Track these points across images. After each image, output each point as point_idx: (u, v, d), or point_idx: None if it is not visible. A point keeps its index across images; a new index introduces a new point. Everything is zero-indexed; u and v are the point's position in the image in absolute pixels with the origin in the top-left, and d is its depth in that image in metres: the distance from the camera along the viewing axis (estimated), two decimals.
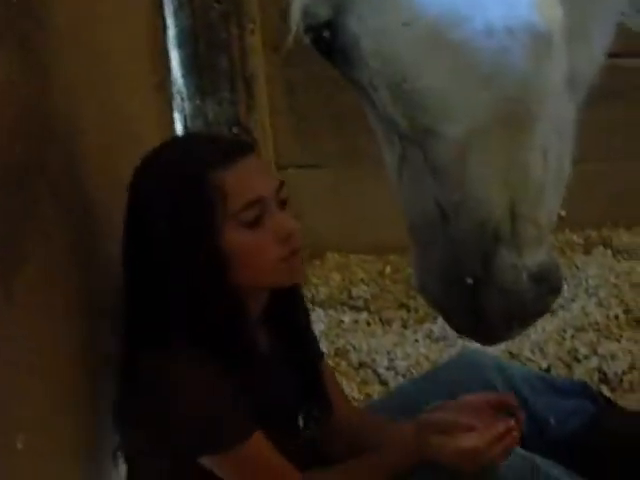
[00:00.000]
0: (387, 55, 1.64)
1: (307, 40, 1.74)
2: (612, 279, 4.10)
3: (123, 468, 2.19)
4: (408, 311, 3.97)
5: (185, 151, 2.05)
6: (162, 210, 1.97)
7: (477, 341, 2.01)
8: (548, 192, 1.77)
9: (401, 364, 3.55)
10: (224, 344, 1.98)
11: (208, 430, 1.95)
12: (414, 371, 3.46)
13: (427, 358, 3.52)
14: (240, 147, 2.05)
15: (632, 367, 3.44)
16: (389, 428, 2.20)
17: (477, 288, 1.80)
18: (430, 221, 1.81)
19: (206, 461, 1.99)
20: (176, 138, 2.51)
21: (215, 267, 1.96)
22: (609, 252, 4.36)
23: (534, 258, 1.79)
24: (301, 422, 2.17)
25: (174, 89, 3.45)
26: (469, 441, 1.99)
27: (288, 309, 2.20)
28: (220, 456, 1.98)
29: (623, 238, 4.45)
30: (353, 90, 1.79)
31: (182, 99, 3.49)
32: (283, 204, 2.04)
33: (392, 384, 3.40)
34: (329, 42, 1.70)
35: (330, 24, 1.68)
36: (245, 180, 1.97)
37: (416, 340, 3.69)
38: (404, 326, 3.86)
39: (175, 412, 1.95)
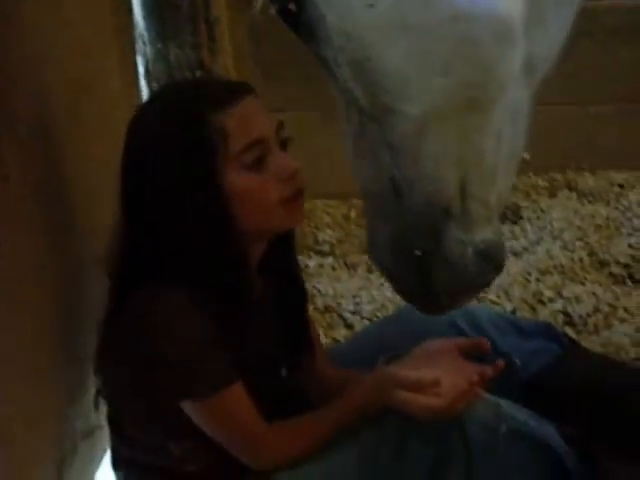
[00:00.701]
0: (351, 34, 1.64)
1: (273, 11, 1.74)
2: (577, 222, 4.13)
3: (104, 410, 2.20)
4: None
5: (184, 94, 2.01)
6: (162, 153, 1.94)
7: (422, 310, 2.05)
8: (499, 174, 1.81)
9: (366, 308, 3.57)
10: (223, 290, 1.96)
11: (192, 374, 1.94)
12: (379, 314, 3.48)
13: (392, 302, 3.53)
14: (239, 88, 2.01)
15: (596, 309, 3.47)
16: (356, 378, 2.19)
17: (425, 260, 1.85)
18: (383, 193, 1.84)
19: (185, 405, 1.98)
20: (174, 82, 2.47)
21: (217, 210, 1.93)
22: (574, 195, 4.39)
23: (481, 235, 1.84)
24: (284, 370, 2.18)
25: (136, 32, 3.40)
26: (431, 401, 1.99)
27: (282, 256, 2.18)
28: (200, 401, 1.97)
29: (588, 181, 4.47)
30: (318, 61, 1.78)
31: (144, 43, 3.43)
32: (284, 144, 2.02)
33: (357, 328, 3.41)
34: (295, 15, 1.70)
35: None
36: (246, 121, 1.95)
37: (381, 284, 3.69)
38: (369, 270, 3.86)
39: (161, 353, 1.93)
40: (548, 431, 2.18)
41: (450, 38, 1.62)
